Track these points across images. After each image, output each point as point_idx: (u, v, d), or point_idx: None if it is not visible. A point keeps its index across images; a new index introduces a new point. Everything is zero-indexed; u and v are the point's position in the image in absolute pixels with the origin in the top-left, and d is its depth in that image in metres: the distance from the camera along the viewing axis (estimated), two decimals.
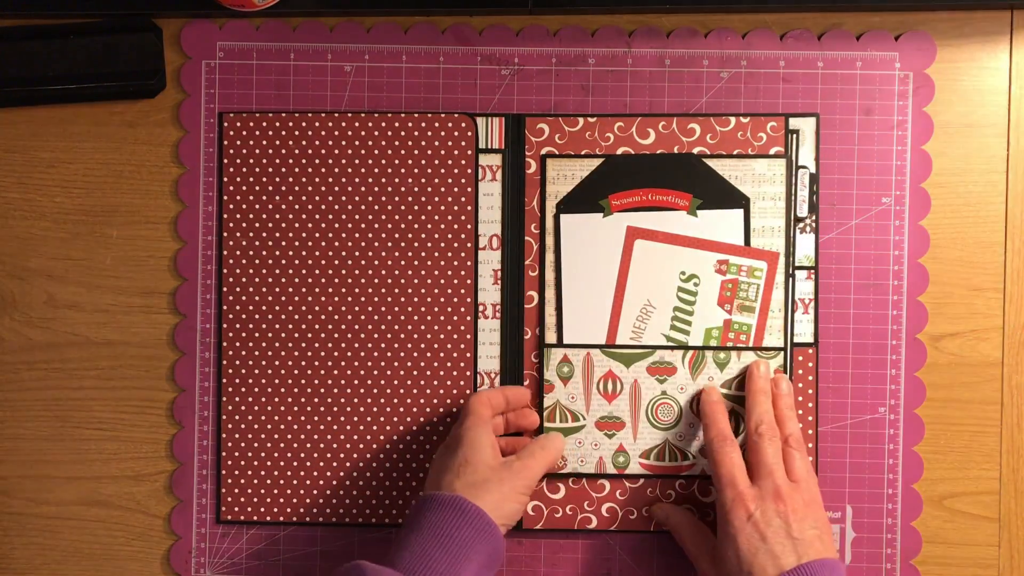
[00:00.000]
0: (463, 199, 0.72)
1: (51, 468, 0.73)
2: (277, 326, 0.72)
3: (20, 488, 0.74)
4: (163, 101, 0.73)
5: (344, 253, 0.72)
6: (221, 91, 0.73)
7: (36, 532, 0.74)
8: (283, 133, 0.72)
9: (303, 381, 0.72)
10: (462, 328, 0.72)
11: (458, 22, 0.73)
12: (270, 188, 0.72)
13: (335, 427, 0.72)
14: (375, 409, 0.72)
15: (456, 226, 0.72)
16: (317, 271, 0.72)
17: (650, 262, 0.71)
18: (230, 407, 0.72)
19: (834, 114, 0.72)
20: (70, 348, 0.73)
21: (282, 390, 0.72)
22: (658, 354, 0.71)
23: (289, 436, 0.72)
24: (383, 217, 0.72)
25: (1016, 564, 0.72)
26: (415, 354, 0.72)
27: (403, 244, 0.72)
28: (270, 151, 0.72)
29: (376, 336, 0.72)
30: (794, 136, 0.71)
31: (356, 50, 0.73)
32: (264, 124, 0.72)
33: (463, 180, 0.72)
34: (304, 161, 0.72)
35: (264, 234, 0.72)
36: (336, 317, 0.72)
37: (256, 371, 0.72)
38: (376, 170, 0.72)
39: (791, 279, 0.71)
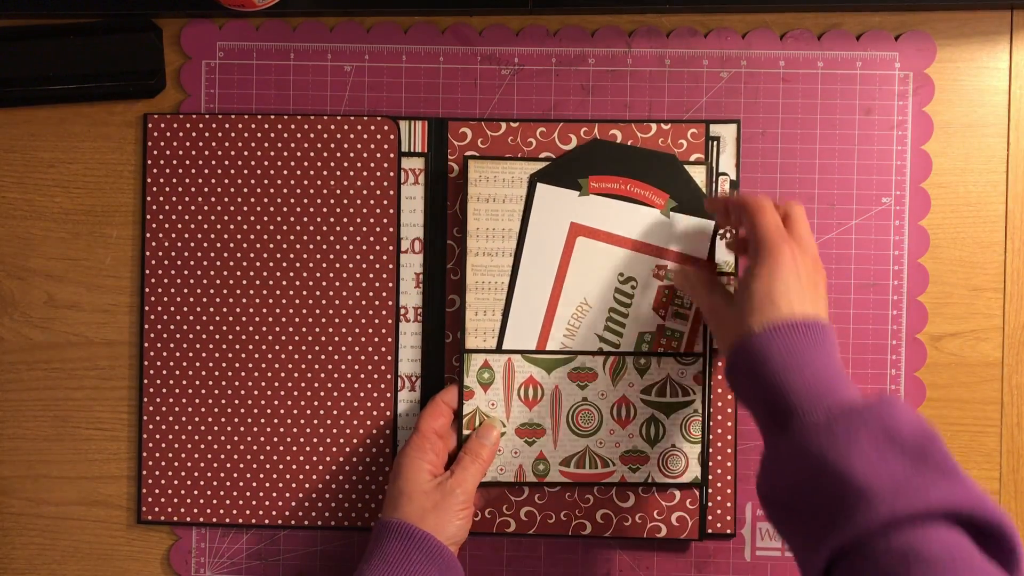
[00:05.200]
0: (385, 202, 0.71)
1: (51, 468, 0.73)
2: (199, 327, 0.72)
3: (20, 488, 0.74)
4: (163, 101, 0.73)
5: (266, 255, 0.72)
6: (221, 91, 0.73)
7: (36, 532, 0.74)
8: (206, 135, 0.72)
9: (224, 383, 0.72)
10: (383, 331, 0.71)
11: (458, 22, 0.72)
12: (193, 190, 0.72)
13: (255, 429, 0.72)
14: (295, 412, 0.72)
15: (378, 229, 0.71)
16: (239, 273, 0.72)
17: (590, 261, 0.70)
18: (151, 408, 0.72)
19: (834, 114, 0.72)
20: (70, 348, 0.73)
21: (203, 391, 0.72)
22: (579, 360, 0.70)
23: (210, 437, 0.72)
24: (305, 220, 0.72)
25: None
26: (336, 357, 0.72)
27: (325, 247, 0.72)
28: (193, 153, 0.72)
29: (298, 339, 0.72)
30: (715, 143, 0.71)
31: (356, 50, 0.73)
32: (188, 126, 0.72)
33: (385, 183, 0.71)
34: (227, 163, 0.72)
35: (187, 236, 0.72)
36: (258, 320, 0.72)
37: (178, 372, 0.72)
38: (299, 173, 0.72)
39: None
